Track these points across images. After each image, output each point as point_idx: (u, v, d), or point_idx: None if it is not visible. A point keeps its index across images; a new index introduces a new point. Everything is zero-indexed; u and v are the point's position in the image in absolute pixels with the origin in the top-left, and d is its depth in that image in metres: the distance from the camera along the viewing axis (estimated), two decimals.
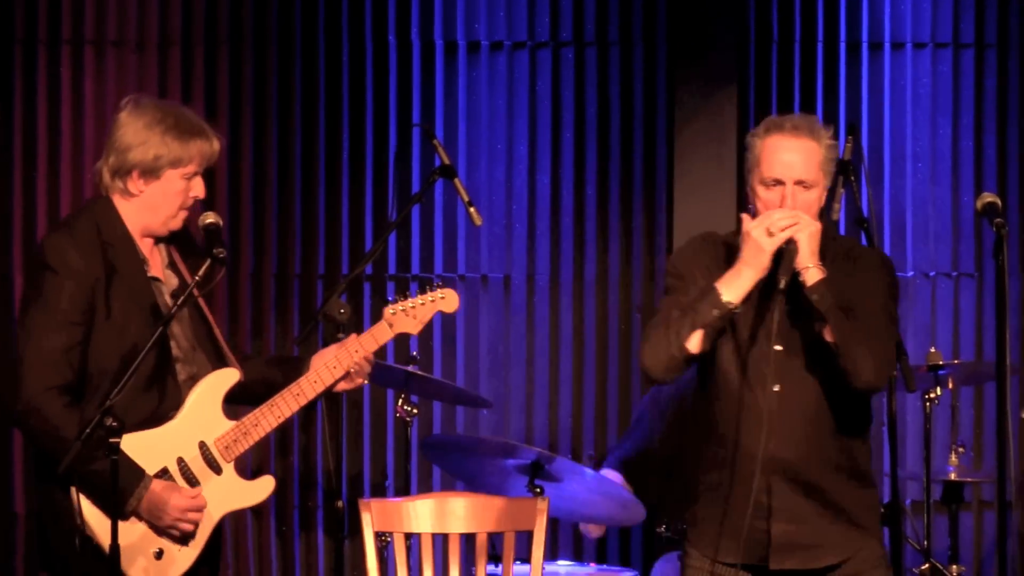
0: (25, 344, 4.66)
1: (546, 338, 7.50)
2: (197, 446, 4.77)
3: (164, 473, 4.72)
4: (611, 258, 7.51)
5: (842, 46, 7.56)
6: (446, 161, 5.71)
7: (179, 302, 4.66)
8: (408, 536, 5.23)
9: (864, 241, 5.05)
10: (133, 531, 4.67)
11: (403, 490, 6.83)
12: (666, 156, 7.50)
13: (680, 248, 4.86)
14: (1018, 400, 7.43)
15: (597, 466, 6.79)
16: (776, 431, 4.59)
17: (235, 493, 4.82)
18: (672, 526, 6.27)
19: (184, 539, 4.73)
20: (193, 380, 4.81)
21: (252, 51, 7.36)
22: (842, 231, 6.99)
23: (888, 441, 5.60)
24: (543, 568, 5.16)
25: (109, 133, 4.82)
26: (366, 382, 4.99)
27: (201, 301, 4.83)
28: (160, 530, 4.70)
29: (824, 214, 4.70)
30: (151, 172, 4.78)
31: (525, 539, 5.16)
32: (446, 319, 7.38)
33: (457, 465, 6.40)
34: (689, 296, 4.65)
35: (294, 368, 4.93)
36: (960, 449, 6.71)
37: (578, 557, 7.34)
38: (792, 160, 4.62)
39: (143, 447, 4.68)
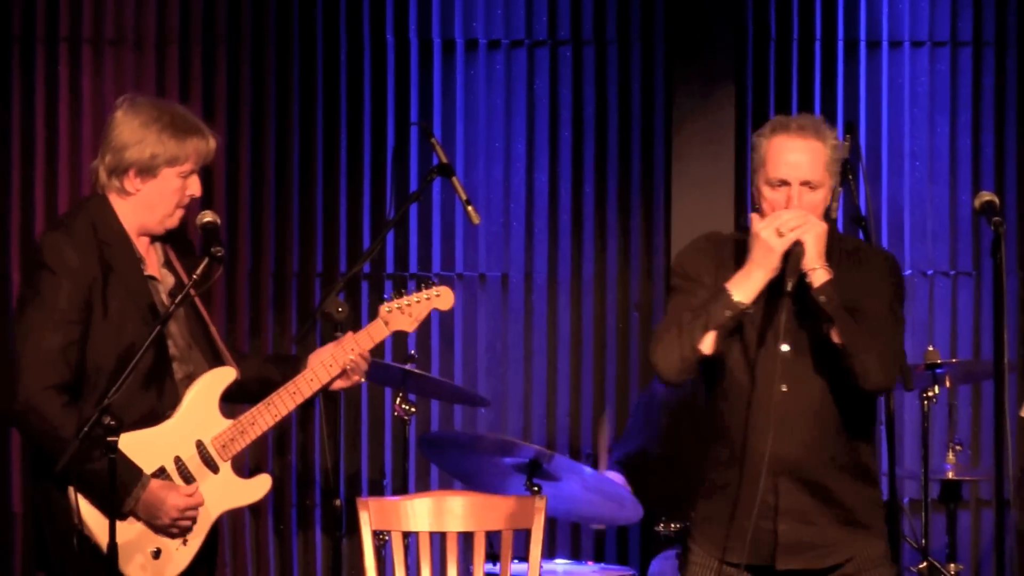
0: (22, 343, 4.65)
1: (544, 337, 7.49)
2: (194, 445, 4.76)
3: (161, 472, 4.72)
4: (609, 256, 7.51)
5: (840, 45, 7.55)
6: (444, 160, 5.71)
7: (176, 301, 4.66)
8: (406, 535, 5.23)
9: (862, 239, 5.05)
10: (130, 530, 4.67)
11: (401, 489, 6.82)
12: (664, 155, 7.50)
13: (685, 248, 4.84)
14: (1016, 398, 7.42)
15: (595, 464, 6.78)
16: (783, 431, 4.59)
17: (232, 492, 4.82)
18: (670, 525, 6.26)
19: (182, 538, 4.73)
20: (190, 379, 4.80)
21: (250, 50, 7.35)
22: (840, 229, 6.98)
23: (886, 440, 5.62)
24: (541, 567, 5.17)
25: (105, 132, 4.81)
26: (363, 380, 4.99)
27: (198, 300, 4.83)
28: (158, 529, 4.70)
29: (826, 214, 4.70)
30: (147, 171, 4.77)
31: (523, 538, 5.16)
32: (444, 317, 7.38)
33: (455, 463, 6.39)
34: (698, 297, 4.65)
35: (291, 366, 4.93)
36: (958, 447, 6.71)
37: (576, 556, 7.34)
38: (798, 161, 4.61)
39: (140, 446, 4.67)
